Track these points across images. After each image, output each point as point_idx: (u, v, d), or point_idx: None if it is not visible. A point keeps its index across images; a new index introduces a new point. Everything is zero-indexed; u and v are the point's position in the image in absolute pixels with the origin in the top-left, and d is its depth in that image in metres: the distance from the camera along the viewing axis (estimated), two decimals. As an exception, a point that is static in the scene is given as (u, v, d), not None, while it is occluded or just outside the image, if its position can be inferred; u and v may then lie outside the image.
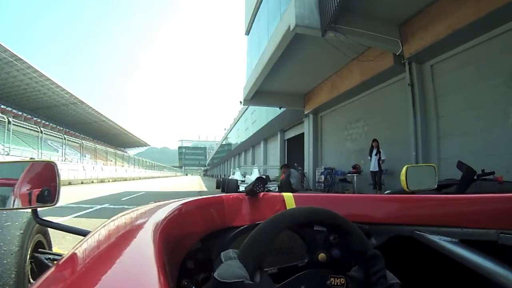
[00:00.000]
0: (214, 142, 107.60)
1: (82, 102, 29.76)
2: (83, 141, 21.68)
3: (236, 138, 33.72)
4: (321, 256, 0.52)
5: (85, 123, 36.44)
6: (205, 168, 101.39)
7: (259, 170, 9.24)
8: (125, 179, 23.00)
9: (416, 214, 0.68)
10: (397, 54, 6.21)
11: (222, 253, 0.43)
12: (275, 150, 17.53)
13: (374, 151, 6.71)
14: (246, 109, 25.30)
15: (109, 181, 19.27)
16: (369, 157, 6.86)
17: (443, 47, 5.52)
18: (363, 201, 0.75)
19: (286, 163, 11.17)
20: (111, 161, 25.98)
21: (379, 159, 6.57)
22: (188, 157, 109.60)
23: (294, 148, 14.98)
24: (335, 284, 0.50)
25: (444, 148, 5.78)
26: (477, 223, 0.58)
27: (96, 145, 24.39)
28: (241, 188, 8.15)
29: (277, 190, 7.09)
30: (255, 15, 11.14)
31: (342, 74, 8.45)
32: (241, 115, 29.05)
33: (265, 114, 18.50)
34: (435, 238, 0.61)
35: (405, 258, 0.67)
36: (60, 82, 25.37)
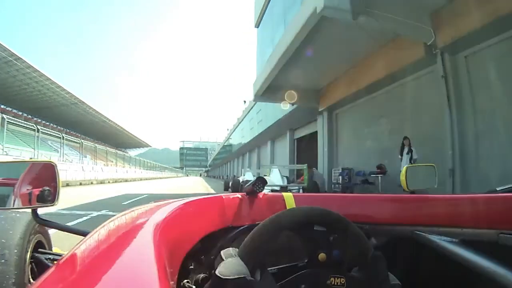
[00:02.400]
0: (216, 143, 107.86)
1: (83, 102, 29.54)
2: (82, 140, 20.82)
3: (241, 138, 32.97)
4: (321, 256, 0.53)
5: (86, 124, 36.19)
6: (207, 169, 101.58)
7: (279, 170, 8.46)
8: (126, 180, 22.55)
9: (416, 214, 0.69)
10: (428, 43, 5.74)
11: (222, 251, 0.44)
12: (283, 149, 16.72)
13: (406, 150, 6.21)
14: (251, 108, 24.67)
15: (109, 182, 18.42)
16: (400, 156, 6.36)
17: (481, 36, 5.02)
18: (363, 201, 0.77)
19: (296, 163, 10.54)
20: (112, 161, 25.46)
21: (410, 158, 6.07)
22: (189, 158, 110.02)
23: (304, 147, 14.23)
24: (335, 284, 0.50)
25: (483, 147, 5.29)
26: (477, 223, 0.60)
27: (96, 145, 23.52)
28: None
29: (301, 191, 6.60)
30: (267, 4, 10.61)
31: (363, 67, 7.89)
32: (246, 115, 28.30)
33: (272, 112, 17.70)
34: (435, 238, 0.62)
35: (405, 258, 0.68)
36: (60, 81, 25.09)
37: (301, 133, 14.43)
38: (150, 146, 59.84)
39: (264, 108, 20.07)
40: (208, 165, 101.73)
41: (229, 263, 0.39)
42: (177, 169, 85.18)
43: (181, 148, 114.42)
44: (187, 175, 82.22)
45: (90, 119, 34.79)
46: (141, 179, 27.29)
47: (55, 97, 27.59)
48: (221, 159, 59.05)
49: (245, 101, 29.95)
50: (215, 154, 73.95)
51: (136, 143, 53.13)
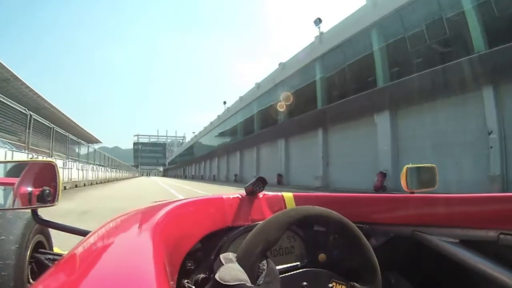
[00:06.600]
0: (176, 138, 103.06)
1: (17, 78, 22.69)
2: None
3: (242, 117, 27.78)
4: (321, 256, 0.55)
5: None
6: (165, 167, 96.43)
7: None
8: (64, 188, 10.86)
9: (416, 214, 0.71)
10: None
11: (221, 255, 0.45)
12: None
13: None
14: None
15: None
16: None
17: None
18: (363, 201, 0.79)
19: None
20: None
21: None
22: (145, 155, 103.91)
23: None
24: None
25: None
26: (477, 223, 0.61)
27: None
28: None
29: None
30: None
31: None
32: (277, 82, 20.44)
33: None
34: (435, 238, 0.65)
35: (405, 258, 0.71)
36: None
37: None
38: (101, 143, 55.31)
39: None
40: (167, 163, 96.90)
41: (229, 268, 0.41)
42: (133, 168, 77.35)
43: (135, 144, 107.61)
44: (142, 175, 76.27)
45: (28, 104, 29.96)
46: (90, 183, 16.85)
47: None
48: (196, 155, 50.81)
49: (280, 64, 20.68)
50: (182, 150, 67.03)
51: (86, 138, 48.55)
